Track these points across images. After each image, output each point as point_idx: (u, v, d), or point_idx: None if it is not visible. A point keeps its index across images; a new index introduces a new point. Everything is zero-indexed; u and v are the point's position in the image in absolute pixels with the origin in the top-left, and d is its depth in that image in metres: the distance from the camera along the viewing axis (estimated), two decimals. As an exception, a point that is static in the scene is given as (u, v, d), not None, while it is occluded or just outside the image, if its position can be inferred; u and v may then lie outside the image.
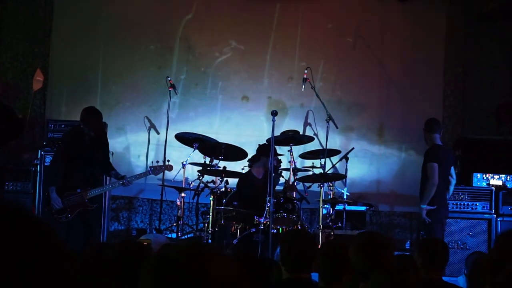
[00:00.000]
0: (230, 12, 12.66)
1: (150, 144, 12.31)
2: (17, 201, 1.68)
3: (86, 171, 9.40)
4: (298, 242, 5.05)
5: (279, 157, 10.69)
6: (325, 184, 10.50)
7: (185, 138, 11.12)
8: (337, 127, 11.22)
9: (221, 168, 10.58)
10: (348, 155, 11.22)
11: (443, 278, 6.42)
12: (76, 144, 9.37)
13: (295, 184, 10.78)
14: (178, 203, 11.02)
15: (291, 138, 10.97)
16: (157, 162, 10.22)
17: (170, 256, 1.84)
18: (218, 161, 10.75)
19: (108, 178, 10.78)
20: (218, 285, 1.79)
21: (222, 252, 1.88)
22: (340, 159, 11.24)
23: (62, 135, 10.48)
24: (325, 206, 10.55)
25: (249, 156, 10.81)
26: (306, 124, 12.27)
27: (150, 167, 9.99)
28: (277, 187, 10.74)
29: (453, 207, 10.52)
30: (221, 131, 12.26)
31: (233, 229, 9.93)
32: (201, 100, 12.56)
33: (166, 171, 10.44)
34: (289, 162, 10.89)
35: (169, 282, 1.79)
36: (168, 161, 10.41)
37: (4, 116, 9.26)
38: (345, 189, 11.20)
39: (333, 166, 11.29)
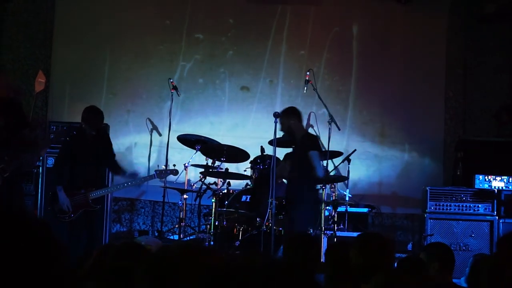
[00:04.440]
0: (232, 14, 12.66)
1: (152, 146, 12.30)
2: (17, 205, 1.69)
3: (89, 171, 9.39)
4: (302, 246, 5.06)
5: None
6: (327, 186, 10.49)
7: (187, 140, 11.12)
8: (339, 129, 11.22)
9: (223, 170, 10.58)
10: (350, 157, 11.21)
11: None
12: (79, 145, 9.37)
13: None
14: (180, 204, 11.02)
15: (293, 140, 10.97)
16: (164, 166, 10.20)
17: (164, 255, 1.84)
18: (220, 162, 10.74)
19: (111, 179, 10.79)
20: (212, 284, 1.80)
21: (217, 252, 1.88)
22: (342, 161, 11.23)
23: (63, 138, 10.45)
24: (327, 208, 10.54)
25: (252, 158, 10.82)
26: (308, 125, 12.25)
27: (156, 170, 9.97)
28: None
29: (455, 209, 10.51)
30: (223, 132, 12.26)
31: (235, 231, 9.92)
32: (204, 102, 12.56)
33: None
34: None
35: (164, 281, 1.79)
36: (174, 165, 10.39)
37: (13, 110, 9.20)
38: (347, 190, 11.19)
39: (335, 168, 11.28)
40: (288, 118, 9.69)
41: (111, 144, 9.86)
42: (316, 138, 10.01)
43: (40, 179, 10.81)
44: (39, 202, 10.75)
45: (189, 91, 12.50)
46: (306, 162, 9.62)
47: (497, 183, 10.83)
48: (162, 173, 9.89)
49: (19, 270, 1.57)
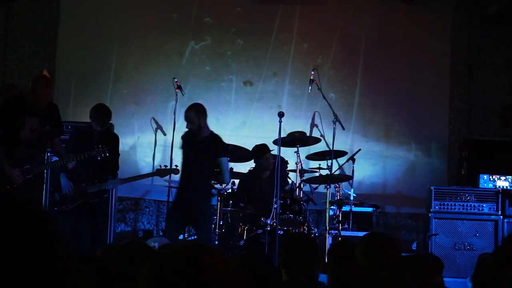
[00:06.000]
0: (236, 14, 12.67)
1: (157, 146, 12.32)
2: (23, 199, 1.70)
3: (91, 167, 9.36)
4: (298, 246, 5.06)
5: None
6: (332, 186, 10.50)
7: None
8: (343, 128, 11.23)
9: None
10: (355, 156, 11.22)
11: (450, 279, 6.45)
12: (84, 140, 9.37)
13: (302, 186, 10.80)
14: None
15: (297, 139, 10.97)
16: (165, 166, 10.12)
17: (166, 256, 1.84)
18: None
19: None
20: (214, 285, 1.80)
21: (219, 252, 1.88)
22: (347, 160, 11.24)
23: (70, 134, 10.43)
24: (332, 207, 10.55)
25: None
26: (312, 125, 12.28)
27: (157, 169, 9.94)
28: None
29: (459, 209, 10.51)
30: (228, 132, 12.26)
31: (239, 230, 9.93)
32: (208, 101, 12.55)
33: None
34: (296, 163, 10.91)
35: (165, 282, 1.79)
36: (176, 166, 10.34)
37: (53, 117, 9.24)
38: (352, 190, 11.20)
39: (340, 167, 11.29)
40: (199, 116, 9.34)
41: (115, 145, 9.80)
42: (223, 141, 9.71)
43: (45, 175, 10.78)
44: (43, 198, 10.72)
45: (194, 89, 12.48)
46: (209, 164, 9.48)
47: (502, 182, 10.83)
48: (163, 172, 9.84)
49: (21, 263, 1.58)
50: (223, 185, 10.25)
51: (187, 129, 9.48)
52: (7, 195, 8.67)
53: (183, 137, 9.83)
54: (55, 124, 9.19)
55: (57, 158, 9.34)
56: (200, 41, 12.67)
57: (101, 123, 9.44)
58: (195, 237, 11.07)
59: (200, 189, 9.46)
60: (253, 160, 10.68)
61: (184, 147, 9.72)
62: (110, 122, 10.74)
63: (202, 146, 9.40)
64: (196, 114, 9.32)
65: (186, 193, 9.43)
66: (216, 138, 9.56)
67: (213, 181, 9.85)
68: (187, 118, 9.36)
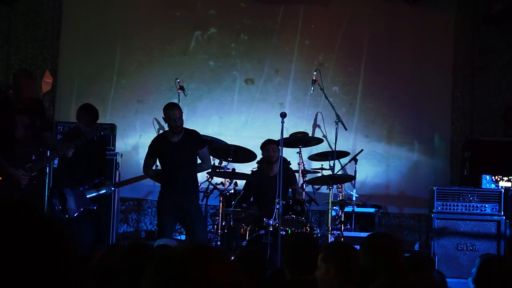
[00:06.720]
0: (239, 14, 12.68)
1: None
2: (29, 202, 1.70)
3: (85, 170, 9.31)
4: (300, 245, 5.06)
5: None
6: (334, 186, 10.49)
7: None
8: (346, 129, 11.22)
9: (230, 170, 10.57)
10: (357, 157, 11.21)
11: (452, 280, 6.44)
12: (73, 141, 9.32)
13: (304, 186, 10.79)
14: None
15: (300, 139, 10.97)
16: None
17: (171, 258, 1.84)
18: (227, 163, 10.74)
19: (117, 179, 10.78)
20: (216, 286, 1.79)
21: (224, 254, 1.88)
22: (349, 161, 11.23)
23: (60, 136, 10.38)
24: (334, 208, 10.54)
25: (258, 158, 10.82)
26: (315, 125, 12.27)
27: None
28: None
29: (462, 209, 10.50)
30: (231, 132, 12.26)
31: (242, 231, 9.92)
32: (211, 101, 12.56)
33: None
34: (298, 164, 10.90)
35: (167, 282, 1.79)
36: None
37: (39, 111, 9.24)
38: (354, 190, 11.19)
39: (342, 167, 11.28)
40: (182, 113, 9.47)
41: (102, 149, 9.74)
42: (198, 132, 9.87)
43: (46, 178, 10.79)
44: (46, 200, 10.73)
45: (196, 90, 12.49)
46: (194, 158, 9.65)
47: (504, 183, 10.82)
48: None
49: (28, 267, 1.58)
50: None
51: (159, 133, 9.52)
52: (16, 197, 8.67)
53: (156, 142, 9.74)
54: (43, 119, 9.17)
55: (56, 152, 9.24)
56: (206, 31, 12.66)
57: (88, 123, 9.36)
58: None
59: (192, 186, 9.62)
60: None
61: (160, 151, 9.63)
62: (113, 123, 10.75)
63: (183, 143, 9.45)
64: (181, 112, 9.41)
65: (177, 194, 9.47)
66: (192, 131, 9.68)
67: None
68: (177, 115, 9.35)
